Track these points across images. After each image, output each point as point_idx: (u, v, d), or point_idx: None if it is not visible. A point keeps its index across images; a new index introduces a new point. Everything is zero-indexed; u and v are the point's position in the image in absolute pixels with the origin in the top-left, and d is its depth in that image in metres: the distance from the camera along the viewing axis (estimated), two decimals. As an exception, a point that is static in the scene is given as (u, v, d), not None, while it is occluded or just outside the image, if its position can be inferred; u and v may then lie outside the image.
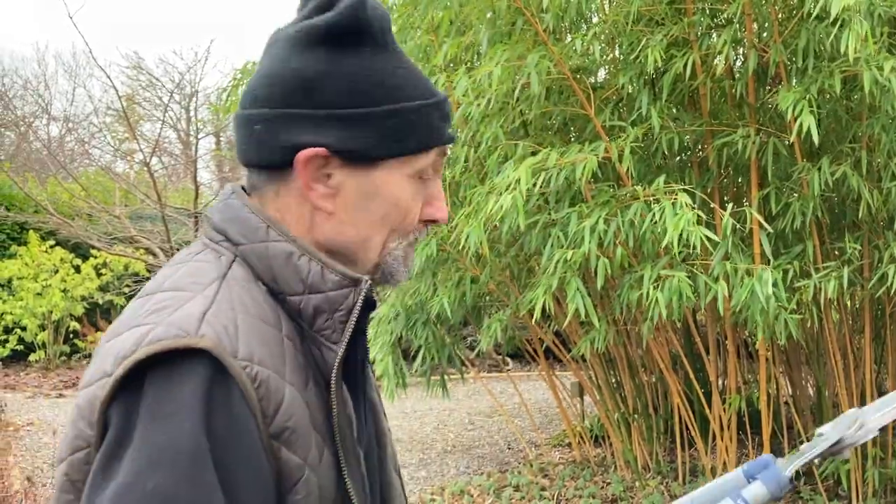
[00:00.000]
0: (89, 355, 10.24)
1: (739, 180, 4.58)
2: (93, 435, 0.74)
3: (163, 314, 0.76)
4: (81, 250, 10.13)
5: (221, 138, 17.39)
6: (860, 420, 1.11)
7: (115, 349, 0.75)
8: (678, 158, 4.53)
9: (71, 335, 9.99)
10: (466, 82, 3.63)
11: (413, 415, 8.21)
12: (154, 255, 10.68)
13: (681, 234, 3.16)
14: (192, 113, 12.30)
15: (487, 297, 5.16)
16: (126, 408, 0.72)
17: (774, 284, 3.35)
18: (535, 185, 3.54)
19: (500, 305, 5.00)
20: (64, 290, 9.57)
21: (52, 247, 9.83)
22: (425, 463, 6.25)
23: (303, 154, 0.83)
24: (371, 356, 5.17)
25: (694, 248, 3.24)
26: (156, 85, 12.32)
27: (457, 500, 4.92)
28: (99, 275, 9.94)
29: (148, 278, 10.43)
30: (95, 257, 9.93)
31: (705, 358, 4.44)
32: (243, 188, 0.91)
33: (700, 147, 4.30)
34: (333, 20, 0.83)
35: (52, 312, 9.52)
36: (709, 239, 3.26)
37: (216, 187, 15.77)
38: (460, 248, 3.99)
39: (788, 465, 1.08)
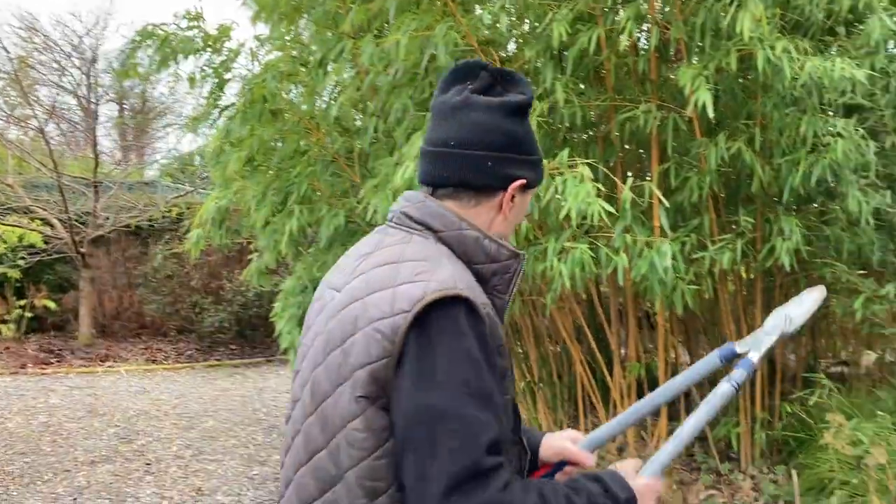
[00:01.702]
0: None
1: (642, 155, 4.69)
2: (394, 349, 1.14)
3: (427, 275, 1.18)
4: (-29, 221, 9.59)
5: (125, 105, 16.70)
6: (788, 316, 1.61)
7: (404, 295, 1.15)
8: (584, 134, 4.61)
9: (-39, 309, 9.48)
10: (372, 49, 3.57)
11: (324, 388, 8.18)
12: (51, 225, 10.20)
13: (580, 206, 3.22)
14: (93, 78, 11.70)
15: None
16: (424, 332, 1.14)
17: (672, 257, 3.46)
18: (442, 156, 3.52)
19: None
20: (-48, 263, 9.06)
21: (-62, 217, 9.27)
22: (335, 435, 6.25)
23: (516, 183, 1.31)
24: (278, 330, 5.10)
25: (595, 220, 3.30)
26: (52, 48, 11.66)
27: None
28: (-9, 246, 9.44)
29: (45, 250, 9.98)
30: (-14, 228, 9.42)
31: (607, 328, 4.56)
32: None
33: (604, 122, 4.37)
34: (525, 100, 1.31)
35: (-61, 286, 9.01)
36: (609, 213, 3.33)
37: (119, 156, 15.15)
38: (368, 219, 3.96)
39: (754, 354, 1.56)
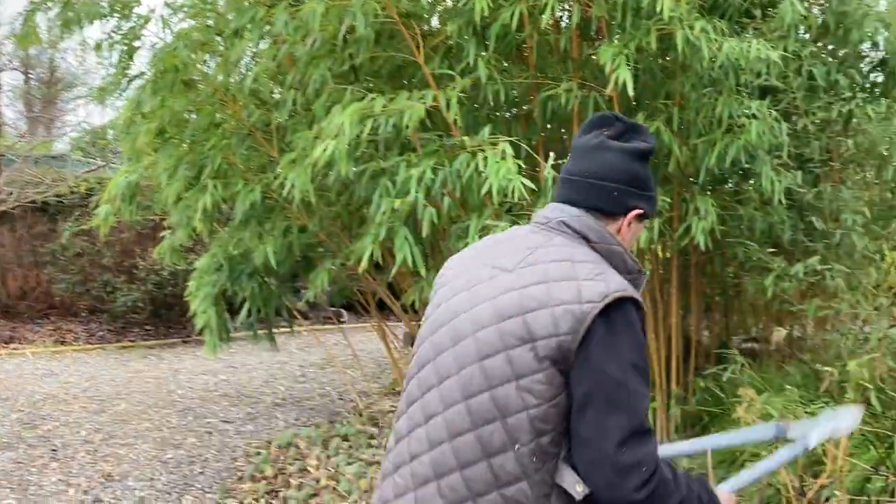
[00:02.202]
0: None
1: (564, 133, 4.70)
2: (580, 328, 1.42)
3: (603, 276, 1.48)
4: None
5: (31, 75, 15.91)
6: (836, 426, 1.86)
7: (591, 290, 1.45)
8: (507, 112, 4.57)
9: None
10: (286, 17, 3.45)
11: (241, 369, 7.99)
12: (-52, 200, 9.63)
13: (502, 183, 3.19)
14: (-6, 45, 11.08)
15: (320, 248, 5.04)
16: (609, 321, 1.43)
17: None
18: (362, 131, 3.44)
19: (333, 256, 4.90)
20: None
21: None
22: (253, 417, 6.10)
23: (634, 212, 1.61)
24: (193, 309, 4.94)
25: (519, 198, 3.28)
26: (-52, 11, 10.95)
27: (283, 453, 4.84)
28: None
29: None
30: None
31: (529, 306, 4.56)
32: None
33: (527, 100, 4.35)
34: (648, 148, 1.63)
35: None
36: (532, 190, 3.31)
37: (24, 127, 14.41)
38: (286, 195, 3.84)
39: (810, 441, 1.80)
